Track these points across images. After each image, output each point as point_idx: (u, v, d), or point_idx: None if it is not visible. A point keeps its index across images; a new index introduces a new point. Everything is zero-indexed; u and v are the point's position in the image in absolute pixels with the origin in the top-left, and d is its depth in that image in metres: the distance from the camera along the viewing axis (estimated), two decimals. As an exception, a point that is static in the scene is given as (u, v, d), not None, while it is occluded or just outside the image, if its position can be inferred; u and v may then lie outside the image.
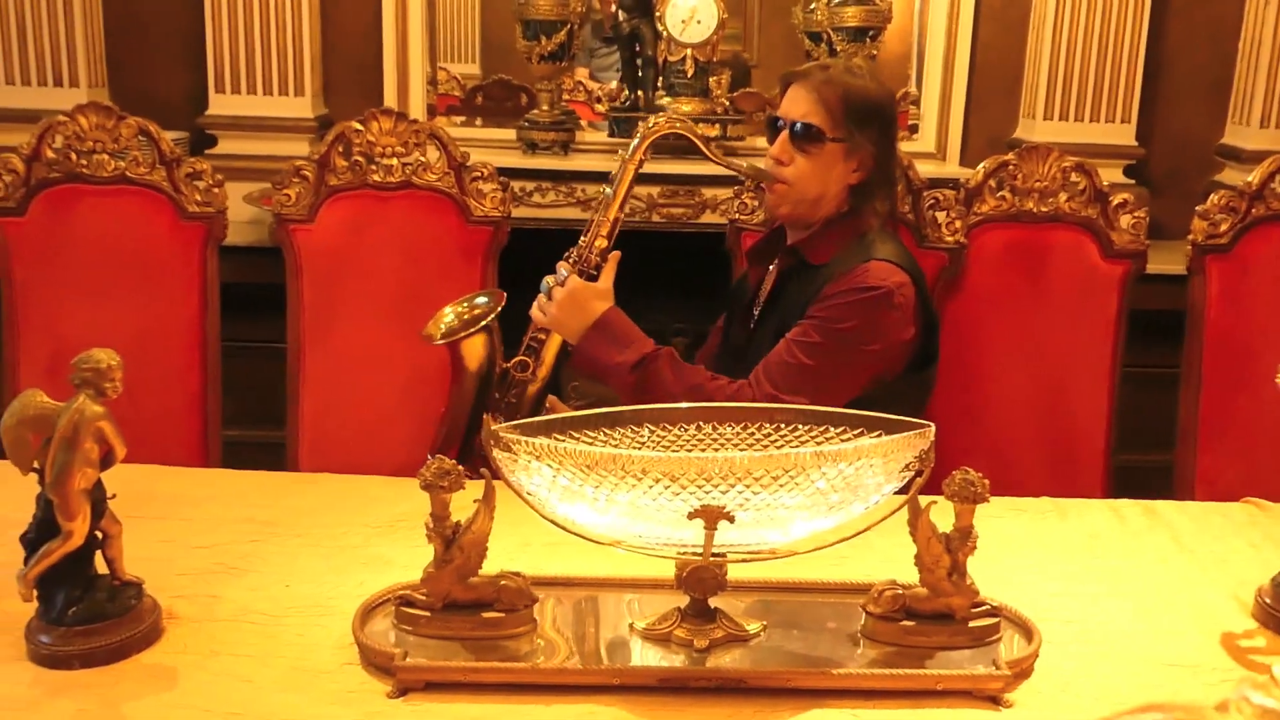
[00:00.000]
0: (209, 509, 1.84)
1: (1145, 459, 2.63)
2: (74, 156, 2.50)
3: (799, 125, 2.14)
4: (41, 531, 1.39)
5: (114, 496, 1.43)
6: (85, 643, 1.38)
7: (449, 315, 2.19)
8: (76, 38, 3.53)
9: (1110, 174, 3.38)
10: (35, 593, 1.39)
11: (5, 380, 2.53)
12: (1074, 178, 2.53)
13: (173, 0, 3.72)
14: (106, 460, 1.40)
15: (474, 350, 2.18)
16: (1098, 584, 1.70)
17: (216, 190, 2.53)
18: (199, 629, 1.47)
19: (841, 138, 2.13)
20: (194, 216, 2.52)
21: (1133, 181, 3.73)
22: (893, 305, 2.08)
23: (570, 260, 2.17)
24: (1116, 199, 2.53)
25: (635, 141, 2.18)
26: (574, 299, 2.11)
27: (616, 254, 2.16)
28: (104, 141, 2.49)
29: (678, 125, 2.20)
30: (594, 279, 2.14)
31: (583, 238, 2.18)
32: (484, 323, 2.16)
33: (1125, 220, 2.52)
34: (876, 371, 2.11)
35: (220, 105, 3.65)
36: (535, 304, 2.16)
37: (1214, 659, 1.51)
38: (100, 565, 1.44)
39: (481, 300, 2.22)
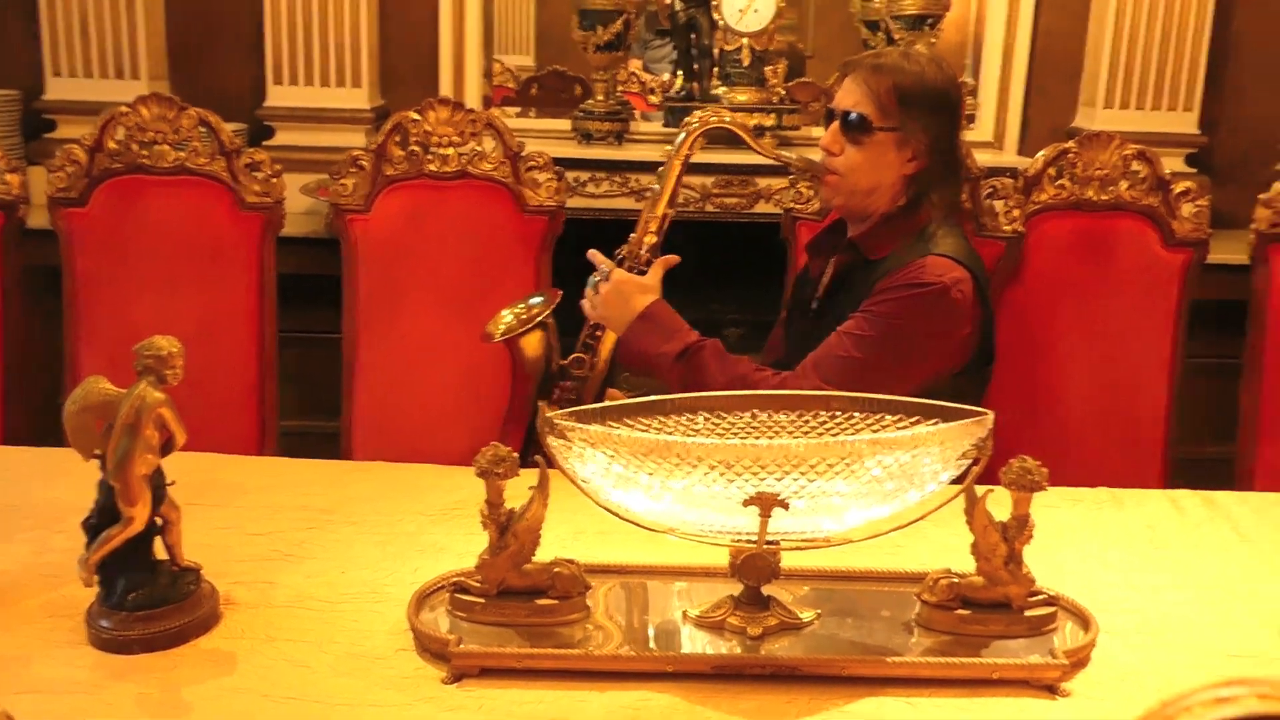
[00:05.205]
0: (265, 497, 1.86)
1: (1206, 450, 2.59)
2: (135, 147, 2.53)
3: (847, 115, 2.11)
4: (103, 517, 1.40)
5: (173, 483, 1.44)
6: (145, 627, 1.39)
7: (507, 316, 2.21)
8: (139, 30, 3.59)
9: (1172, 163, 3.32)
10: (96, 578, 1.41)
11: (67, 368, 2.56)
12: (1135, 166, 2.49)
13: (232, -7, 3.77)
14: (167, 447, 1.41)
15: (531, 348, 2.20)
16: (1156, 574, 1.68)
17: (275, 180, 2.55)
18: (256, 615, 1.48)
19: (892, 127, 2.08)
20: (252, 207, 2.54)
21: (1194, 170, 3.67)
22: (949, 301, 2.03)
23: (620, 257, 2.16)
24: (1178, 187, 2.49)
25: (680, 138, 2.16)
26: (619, 292, 2.10)
27: (673, 258, 2.15)
28: (165, 132, 2.52)
29: (724, 120, 2.18)
30: (643, 275, 2.14)
31: (632, 234, 2.18)
32: (539, 319, 2.18)
33: (1187, 209, 2.48)
34: (932, 369, 2.06)
35: (278, 96, 3.69)
36: (585, 298, 2.16)
37: (1276, 649, 1.48)
38: (160, 551, 1.46)
39: (537, 300, 2.24)
